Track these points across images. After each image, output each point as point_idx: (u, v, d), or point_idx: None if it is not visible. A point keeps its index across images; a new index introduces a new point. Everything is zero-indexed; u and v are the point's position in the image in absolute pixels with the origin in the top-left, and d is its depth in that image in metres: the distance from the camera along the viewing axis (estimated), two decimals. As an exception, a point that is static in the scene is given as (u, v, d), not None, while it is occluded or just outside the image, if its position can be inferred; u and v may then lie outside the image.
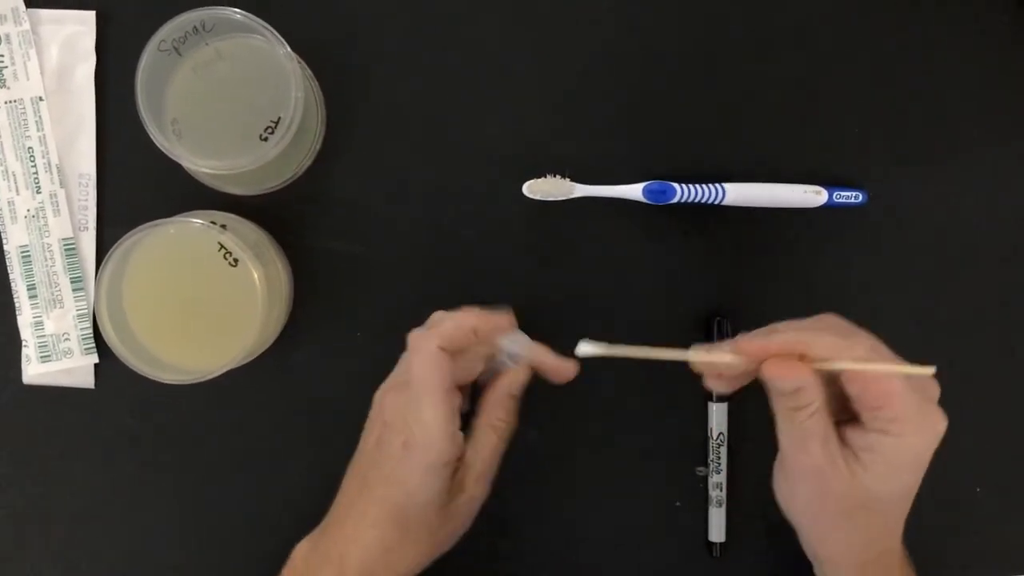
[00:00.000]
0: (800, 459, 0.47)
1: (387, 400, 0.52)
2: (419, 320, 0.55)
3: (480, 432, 0.51)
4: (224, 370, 0.53)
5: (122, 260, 0.54)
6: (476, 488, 0.51)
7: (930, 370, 0.45)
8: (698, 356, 0.48)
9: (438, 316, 0.52)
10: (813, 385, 0.45)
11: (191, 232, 0.53)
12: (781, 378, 0.45)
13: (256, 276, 0.53)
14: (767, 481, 0.60)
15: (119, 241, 0.52)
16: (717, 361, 0.48)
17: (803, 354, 0.45)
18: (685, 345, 0.47)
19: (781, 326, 0.48)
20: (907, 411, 0.45)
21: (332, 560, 0.50)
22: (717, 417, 0.60)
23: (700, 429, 0.60)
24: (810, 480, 0.47)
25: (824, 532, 0.49)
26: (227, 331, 0.54)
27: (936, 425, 0.46)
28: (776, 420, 0.48)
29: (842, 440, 0.46)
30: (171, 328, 0.55)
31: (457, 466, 0.50)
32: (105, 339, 0.54)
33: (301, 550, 0.53)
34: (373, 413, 0.53)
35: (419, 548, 0.51)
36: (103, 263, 0.53)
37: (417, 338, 0.50)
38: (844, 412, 0.47)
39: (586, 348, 0.49)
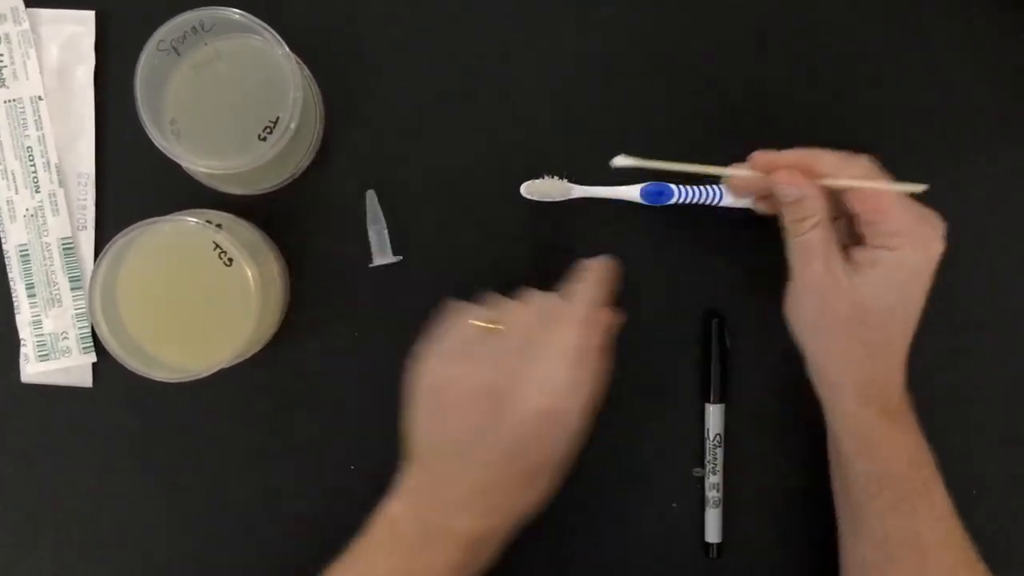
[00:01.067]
0: (804, 273, 0.51)
1: (504, 362, 0.50)
2: (412, 321, 0.56)
3: None
4: (217, 369, 0.53)
5: (117, 258, 0.54)
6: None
7: (922, 186, 0.48)
8: (719, 171, 0.53)
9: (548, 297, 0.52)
10: (815, 198, 0.50)
11: (186, 231, 0.54)
12: (785, 185, 0.50)
13: (250, 275, 0.53)
14: (764, 482, 0.60)
15: (114, 238, 0.53)
16: (736, 174, 0.52)
17: (808, 170, 0.50)
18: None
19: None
20: (903, 225, 0.49)
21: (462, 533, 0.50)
22: (714, 418, 0.59)
23: (697, 430, 0.60)
24: (813, 293, 0.51)
25: (826, 347, 0.52)
26: (221, 330, 0.54)
27: (931, 242, 0.50)
28: (787, 241, 0.52)
29: (848, 259, 0.51)
30: (165, 326, 0.55)
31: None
32: (98, 335, 0.54)
33: (398, 510, 0.51)
34: (470, 373, 0.50)
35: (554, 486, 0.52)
36: (98, 260, 0.53)
37: (591, 315, 0.51)
38: (853, 238, 0.52)
39: (621, 160, 0.52)
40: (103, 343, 0.54)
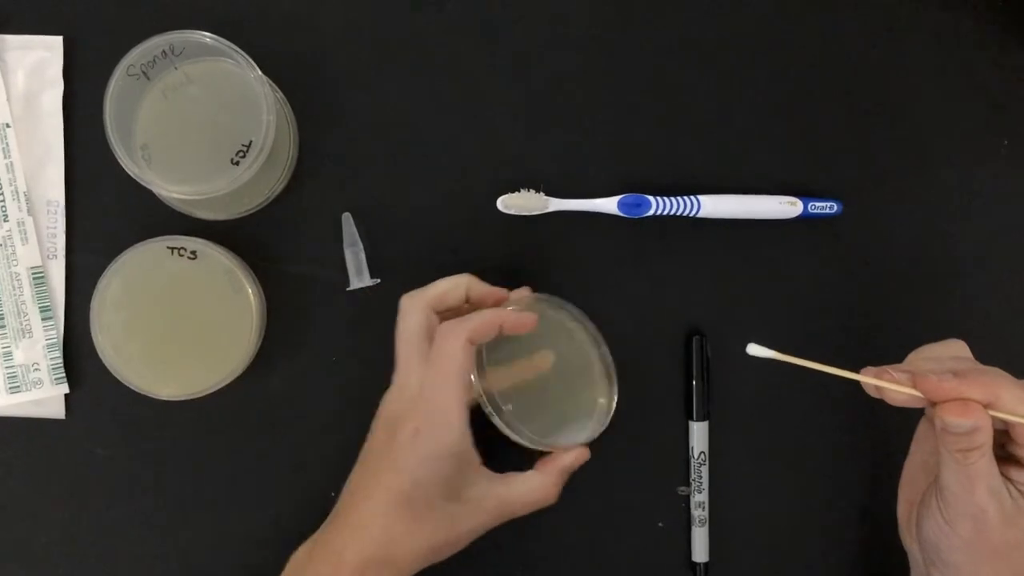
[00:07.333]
0: (965, 499, 0.47)
1: (396, 395, 0.53)
2: (391, 344, 0.55)
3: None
4: (193, 396, 0.53)
5: (114, 278, 0.55)
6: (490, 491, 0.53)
7: None
8: (874, 381, 0.47)
9: (445, 286, 0.54)
10: (988, 427, 0.45)
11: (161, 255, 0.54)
12: (961, 417, 0.45)
13: (231, 303, 0.53)
14: (749, 499, 0.60)
15: (118, 256, 0.53)
16: (896, 390, 0.47)
17: (984, 399, 0.45)
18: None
19: (940, 362, 0.48)
20: None
21: (329, 556, 0.51)
22: (698, 436, 0.59)
23: (681, 449, 0.60)
24: (972, 520, 0.47)
25: (975, 570, 0.49)
26: (217, 353, 0.55)
27: None
28: (941, 459, 0.47)
29: (1005, 476, 0.47)
30: (154, 349, 0.56)
31: (469, 459, 0.52)
32: (100, 354, 0.55)
33: (299, 554, 0.52)
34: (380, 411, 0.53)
35: (424, 538, 0.51)
36: (102, 277, 0.54)
37: (448, 329, 0.51)
38: (1002, 448, 0.48)
39: (755, 350, 0.48)
40: (106, 363, 0.54)
